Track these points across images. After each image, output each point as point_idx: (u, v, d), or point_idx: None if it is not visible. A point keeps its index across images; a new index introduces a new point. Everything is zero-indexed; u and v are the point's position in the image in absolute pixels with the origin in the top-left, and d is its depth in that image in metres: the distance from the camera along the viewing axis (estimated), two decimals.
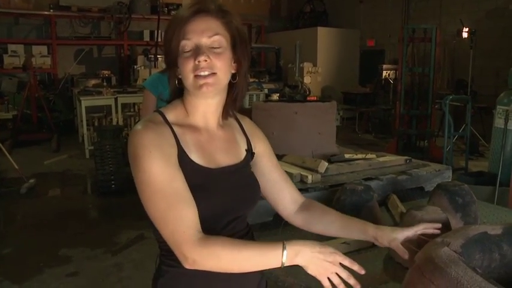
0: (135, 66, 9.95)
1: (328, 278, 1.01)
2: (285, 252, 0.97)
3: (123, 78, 10.58)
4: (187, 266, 0.99)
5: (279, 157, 2.35)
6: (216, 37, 1.07)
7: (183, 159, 1.06)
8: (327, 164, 2.08)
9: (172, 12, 10.84)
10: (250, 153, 1.22)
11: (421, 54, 7.38)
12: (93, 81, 9.47)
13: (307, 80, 10.19)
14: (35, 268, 3.58)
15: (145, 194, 1.02)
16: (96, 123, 8.04)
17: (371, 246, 1.58)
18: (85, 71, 10.77)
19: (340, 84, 11.19)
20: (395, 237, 1.18)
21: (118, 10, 10.28)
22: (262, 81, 10.35)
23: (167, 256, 1.09)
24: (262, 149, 1.27)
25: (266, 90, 9.07)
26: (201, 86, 1.06)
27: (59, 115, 9.35)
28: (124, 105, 8.08)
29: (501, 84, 7.62)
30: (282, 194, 1.28)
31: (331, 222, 1.25)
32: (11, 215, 5.05)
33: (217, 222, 1.10)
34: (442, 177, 2.22)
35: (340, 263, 1.02)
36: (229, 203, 1.12)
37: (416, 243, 1.41)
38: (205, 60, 1.05)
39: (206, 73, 1.05)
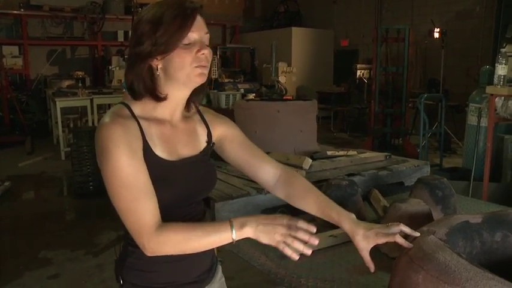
0: (110, 67, 9.83)
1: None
2: (232, 226, 1.04)
3: (98, 79, 10.43)
4: (148, 254, 1.08)
5: None
6: (208, 35, 1.16)
7: (147, 153, 1.13)
8: (311, 160, 2.13)
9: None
10: (209, 144, 1.30)
11: (394, 54, 7.56)
12: (66, 82, 9.33)
13: (282, 79, 10.25)
14: (14, 271, 3.53)
15: (111, 185, 1.08)
16: (71, 125, 7.93)
17: None
18: (58, 72, 10.58)
19: (315, 84, 11.30)
20: (365, 246, 1.20)
21: (91, 10, 10.14)
22: (237, 81, 10.36)
23: (124, 235, 1.19)
24: (224, 132, 1.33)
25: (242, 90, 9.10)
26: (199, 75, 1.14)
27: (32, 117, 9.18)
28: (99, 106, 7.99)
29: (471, 82, 7.87)
30: (256, 169, 1.34)
31: (309, 204, 1.30)
32: None
33: (177, 208, 1.19)
34: (421, 172, 2.31)
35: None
36: (188, 191, 1.20)
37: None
38: (208, 53, 1.14)
39: (204, 64, 1.14)
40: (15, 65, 9.62)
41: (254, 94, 8.16)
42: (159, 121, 1.19)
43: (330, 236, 1.59)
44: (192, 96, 1.25)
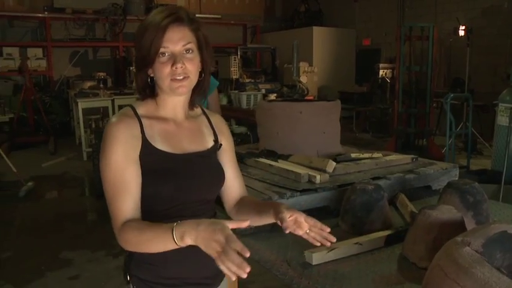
0: (131, 68, 9.88)
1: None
2: (174, 234, 1.03)
3: (119, 80, 10.51)
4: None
5: (285, 157, 2.33)
6: (189, 45, 1.22)
7: (148, 149, 1.21)
8: (335, 163, 2.06)
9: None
10: (217, 143, 1.36)
11: (417, 52, 7.39)
12: (88, 83, 9.42)
13: (303, 79, 10.16)
14: (36, 271, 3.55)
15: (102, 175, 1.20)
16: (93, 125, 8.00)
17: (384, 246, 1.57)
18: (80, 73, 10.70)
19: (337, 84, 11.18)
20: (284, 211, 1.18)
21: (113, 12, 10.21)
22: (258, 81, 10.33)
23: None
24: (224, 145, 1.40)
25: (263, 91, 9.05)
26: (177, 88, 1.22)
27: (55, 117, 9.31)
28: (120, 107, 8.03)
29: (498, 81, 7.64)
30: (230, 190, 1.41)
31: (248, 212, 1.33)
32: (9, 218, 5.01)
33: (187, 204, 1.24)
34: (449, 175, 2.21)
35: None
36: (194, 185, 1.25)
37: (432, 244, 1.40)
38: (181, 67, 1.20)
39: (181, 77, 1.21)
40: (39, 66, 9.75)
41: (275, 94, 8.09)
42: (162, 119, 1.28)
43: (356, 243, 1.52)
44: (193, 96, 1.33)
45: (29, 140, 8.26)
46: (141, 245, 1.14)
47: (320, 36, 11.50)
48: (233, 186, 1.40)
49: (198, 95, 1.34)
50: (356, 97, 10.23)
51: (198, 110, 1.39)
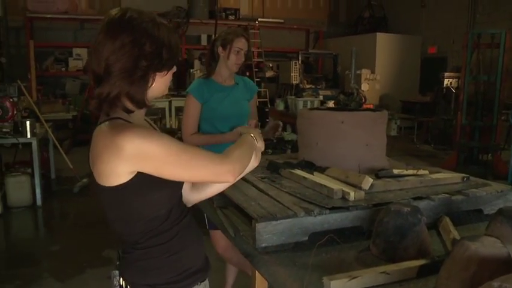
0: (192, 70, 10.06)
1: None
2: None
3: (180, 82, 10.70)
4: (233, 180, 1.26)
5: (322, 170, 2.19)
6: None
7: None
8: (372, 180, 1.89)
9: (230, 17, 11.04)
10: None
11: (487, 61, 6.91)
12: None
13: (364, 87, 9.90)
14: (78, 267, 3.63)
15: (170, 164, 1.16)
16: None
17: (416, 277, 1.40)
18: None
19: (399, 93, 10.78)
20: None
21: (177, 15, 10.44)
22: (319, 87, 10.17)
23: (133, 245, 1.29)
24: None
25: (321, 97, 8.88)
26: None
27: None
28: (178, 109, 8.16)
29: None
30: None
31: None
32: (63, 213, 5.21)
33: (179, 200, 1.36)
34: (505, 199, 1.96)
35: None
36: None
37: (470, 283, 1.22)
38: None
39: None
40: None
41: (334, 101, 7.89)
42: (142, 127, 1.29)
43: (382, 272, 1.36)
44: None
45: (90, 137, 8.53)
46: (244, 155, 1.33)
47: (384, 42, 11.16)
48: None
49: None
50: (418, 107, 9.79)
51: None
